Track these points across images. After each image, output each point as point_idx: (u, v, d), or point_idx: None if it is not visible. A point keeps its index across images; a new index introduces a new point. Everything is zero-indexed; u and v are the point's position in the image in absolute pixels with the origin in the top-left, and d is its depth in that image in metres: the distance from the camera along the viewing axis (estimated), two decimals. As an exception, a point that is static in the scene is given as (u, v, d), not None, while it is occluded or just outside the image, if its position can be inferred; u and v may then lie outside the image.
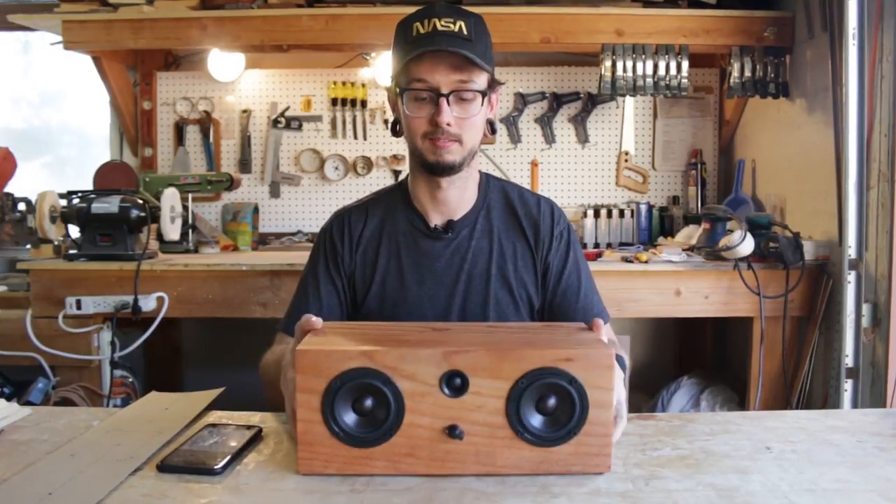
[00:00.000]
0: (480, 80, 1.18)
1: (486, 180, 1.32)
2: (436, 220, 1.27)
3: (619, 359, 1.12)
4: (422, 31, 1.16)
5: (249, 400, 1.14)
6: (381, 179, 3.08)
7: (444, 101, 1.15)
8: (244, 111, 3.08)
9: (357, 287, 1.27)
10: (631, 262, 2.29)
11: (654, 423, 1.02)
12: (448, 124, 1.16)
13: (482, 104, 1.19)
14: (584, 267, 1.32)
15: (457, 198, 1.26)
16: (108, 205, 2.23)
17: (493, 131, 1.28)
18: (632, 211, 2.97)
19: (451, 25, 1.15)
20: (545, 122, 3.02)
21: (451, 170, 1.20)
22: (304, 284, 1.30)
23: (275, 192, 3.09)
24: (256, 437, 0.93)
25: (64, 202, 2.29)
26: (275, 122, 3.05)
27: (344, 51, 2.90)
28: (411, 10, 1.21)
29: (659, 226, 2.97)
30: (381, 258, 1.26)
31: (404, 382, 0.80)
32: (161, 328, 2.22)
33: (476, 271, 1.25)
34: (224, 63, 2.94)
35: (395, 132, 1.27)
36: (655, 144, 3.07)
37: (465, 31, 1.16)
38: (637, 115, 3.06)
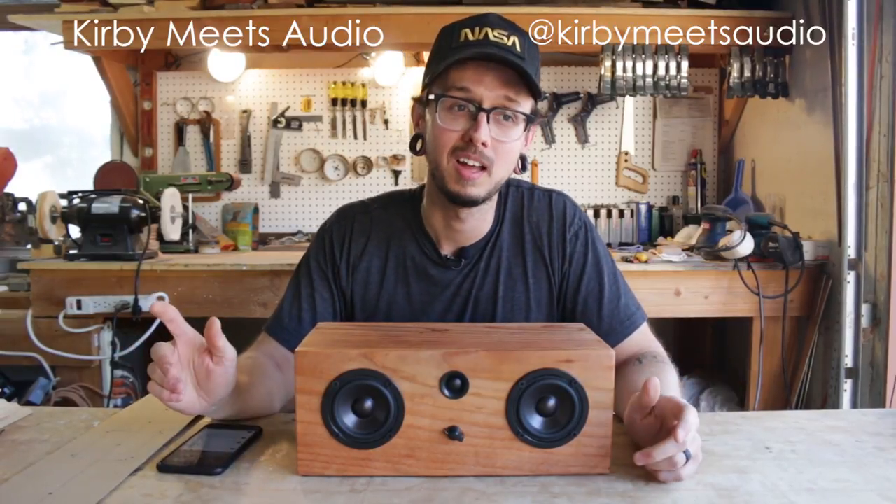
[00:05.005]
0: (526, 104, 1.06)
1: (501, 192, 1.17)
2: (448, 247, 1.17)
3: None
4: (471, 37, 1.04)
5: (250, 400, 1.14)
6: (381, 179, 3.08)
7: (483, 116, 1.02)
8: (244, 111, 3.08)
9: (356, 308, 1.18)
10: (631, 262, 2.29)
11: (654, 424, 1.01)
12: (483, 144, 1.03)
13: (524, 130, 1.07)
14: (606, 266, 1.18)
15: (473, 226, 1.15)
16: (109, 205, 2.24)
17: (524, 168, 1.14)
18: (632, 211, 2.97)
19: (505, 39, 1.04)
20: (545, 122, 3.02)
21: (472, 204, 1.08)
22: (298, 288, 1.19)
23: (275, 192, 3.09)
24: (256, 437, 0.93)
25: (64, 202, 2.29)
26: (275, 122, 3.05)
27: (344, 51, 2.90)
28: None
29: (659, 226, 2.97)
30: (386, 283, 1.17)
31: (404, 384, 0.80)
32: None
33: (482, 294, 1.16)
34: (224, 63, 2.94)
35: (415, 149, 1.13)
36: (655, 144, 3.07)
37: (517, 48, 1.04)
38: (637, 115, 3.06)
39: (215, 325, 0.85)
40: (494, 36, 1.03)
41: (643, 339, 1.16)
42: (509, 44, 1.03)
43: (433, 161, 1.09)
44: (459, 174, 1.05)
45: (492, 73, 1.03)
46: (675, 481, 0.80)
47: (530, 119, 1.07)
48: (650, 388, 0.82)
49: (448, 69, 1.04)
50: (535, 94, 1.06)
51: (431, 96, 1.06)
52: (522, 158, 1.13)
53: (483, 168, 1.05)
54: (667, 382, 1.00)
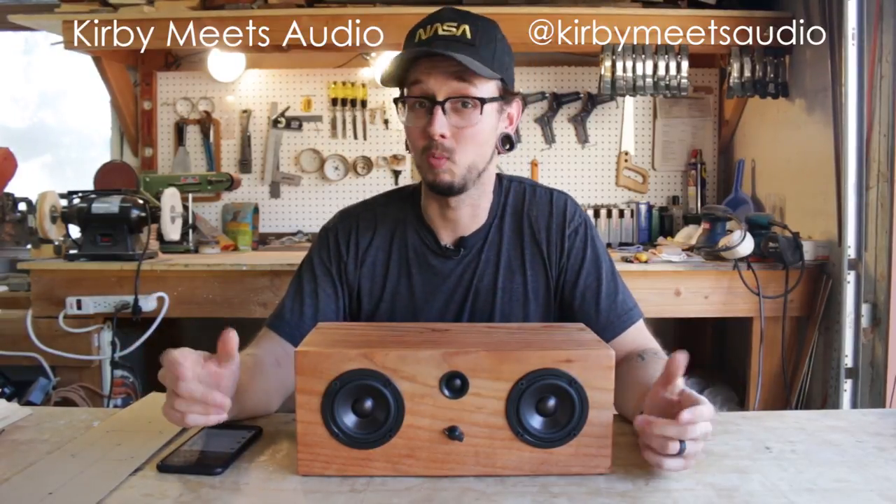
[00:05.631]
0: (484, 88, 1.09)
1: (503, 186, 1.22)
2: (447, 237, 1.20)
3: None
4: (423, 36, 1.09)
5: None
6: (381, 179, 3.08)
7: (438, 109, 1.06)
8: (244, 111, 3.08)
9: (363, 302, 1.21)
10: (631, 262, 2.29)
11: (654, 424, 1.01)
12: (442, 136, 1.07)
13: (482, 113, 1.09)
14: (605, 262, 1.21)
15: (468, 215, 1.18)
16: (109, 205, 2.24)
17: (511, 147, 1.16)
18: (632, 211, 2.97)
19: (454, 30, 1.08)
20: (545, 122, 3.02)
21: (450, 191, 1.11)
22: (300, 284, 1.21)
23: (275, 192, 3.09)
24: (256, 437, 0.93)
25: (64, 202, 2.29)
26: (275, 122, 3.05)
27: (344, 51, 2.90)
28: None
29: (659, 226, 2.97)
30: (390, 275, 1.20)
31: (404, 384, 0.80)
32: (161, 328, 2.22)
33: (482, 285, 1.19)
34: (224, 63, 2.94)
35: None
36: (655, 144, 3.07)
37: (468, 35, 1.07)
38: (637, 115, 3.06)
39: (232, 340, 0.88)
40: (443, 30, 1.08)
41: (640, 335, 1.18)
42: (458, 33, 1.07)
43: (414, 159, 1.15)
44: (430, 165, 1.10)
45: (440, 66, 1.06)
46: (657, 468, 0.79)
47: (486, 102, 1.08)
48: (676, 366, 0.88)
49: (407, 72, 1.09)
50: (489, 75, 1.07)
51: (396, 99, 1.13)
52: (508, 138, 1.16)
53: (446, 157, 1.09)
54: None
